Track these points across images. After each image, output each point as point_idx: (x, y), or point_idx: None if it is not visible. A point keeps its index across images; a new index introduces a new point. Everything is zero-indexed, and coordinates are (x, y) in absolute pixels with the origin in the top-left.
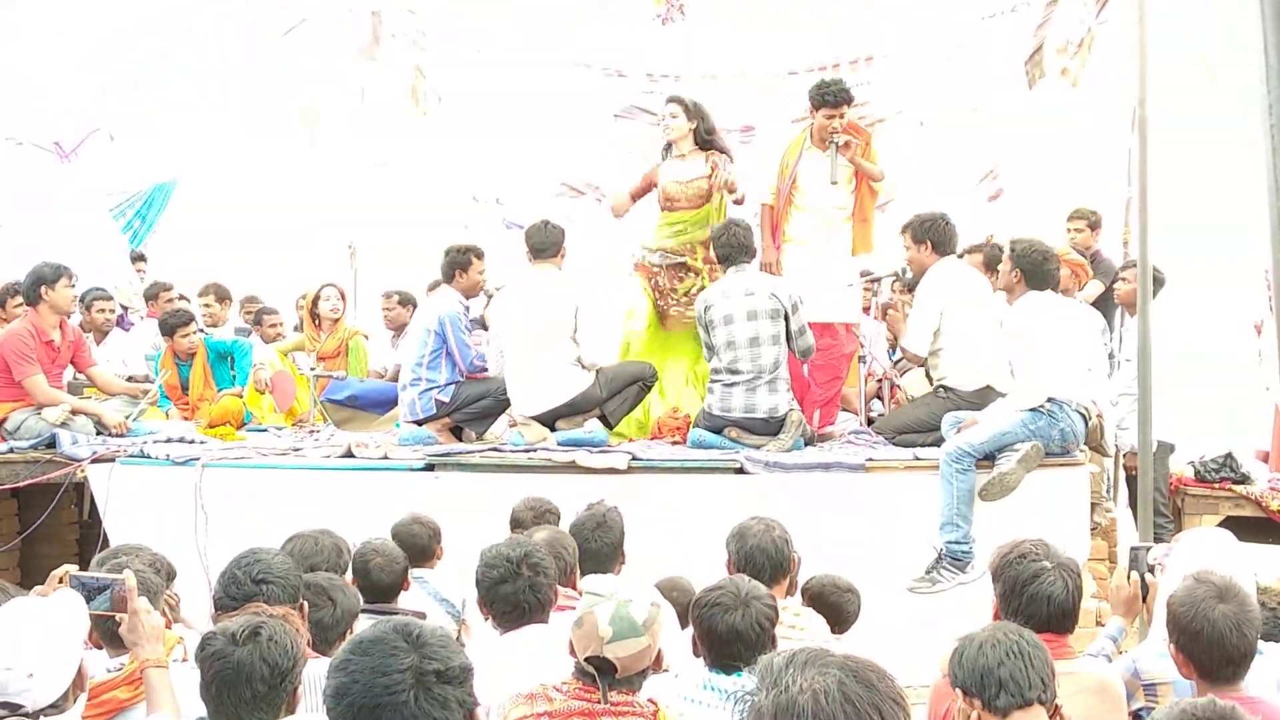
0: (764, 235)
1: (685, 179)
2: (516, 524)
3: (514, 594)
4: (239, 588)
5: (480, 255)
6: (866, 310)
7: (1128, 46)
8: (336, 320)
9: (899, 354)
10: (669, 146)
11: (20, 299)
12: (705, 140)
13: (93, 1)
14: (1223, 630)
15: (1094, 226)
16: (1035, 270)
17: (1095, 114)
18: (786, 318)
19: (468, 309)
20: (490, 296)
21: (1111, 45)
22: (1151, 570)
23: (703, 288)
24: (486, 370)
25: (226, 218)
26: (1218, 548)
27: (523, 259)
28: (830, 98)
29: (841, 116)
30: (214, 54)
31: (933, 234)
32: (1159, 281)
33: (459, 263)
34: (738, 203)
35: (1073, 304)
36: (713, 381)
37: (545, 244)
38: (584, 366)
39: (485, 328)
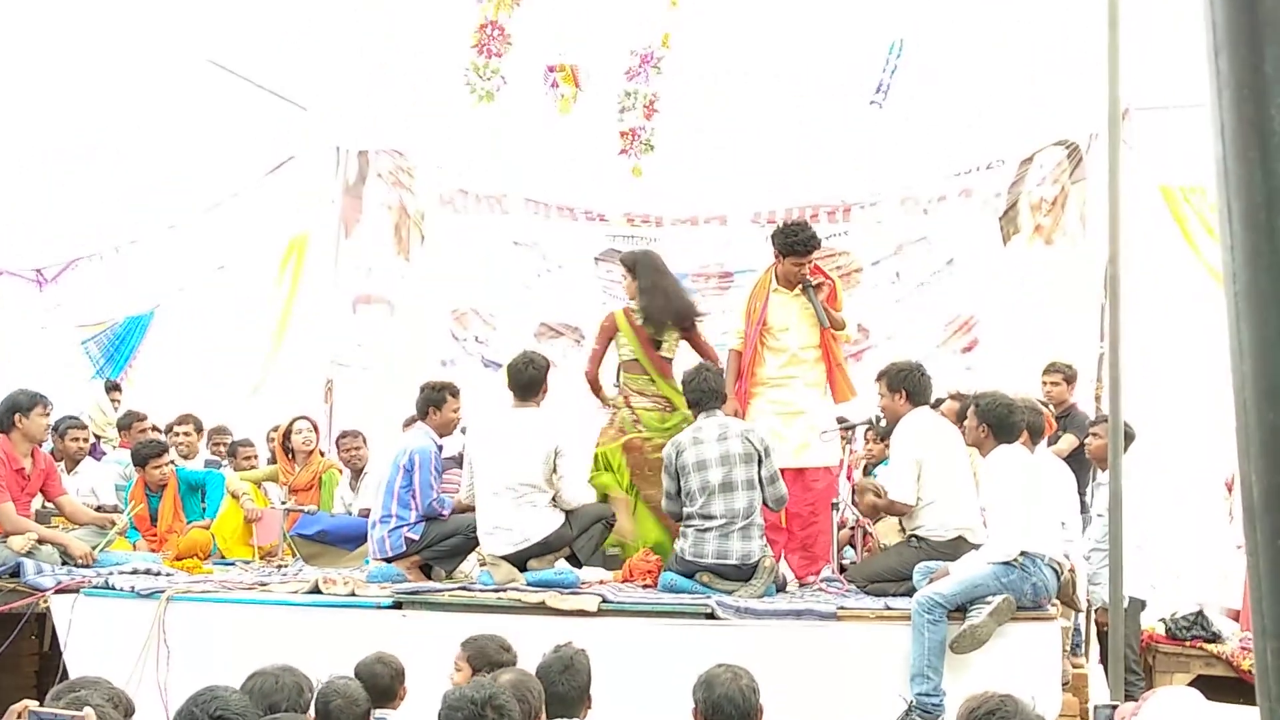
0: (728, 382)
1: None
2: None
3: None
4: None
5: (455, 393)
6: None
7: (1100, 205)
8: (310, 453)
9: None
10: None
11: None
12: None
13: (70, 128)
14: None
15: (1069, 380)
16: (1001, 423)
17: (1068, 270)
18: (759, 462)
19: (441, 448)
20: (465, 431)
21: (1085, 203)
22: None
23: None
24: (444, 516)
25: (203, 351)
26: (1186, 707)
27: (502, 395)
28: (799, 246)
29: (810, 263)
30: (198, 186)
31: (908, 384)
32: (1129, 437)
33: (433, 400)
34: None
35: (1046, 456)
36: (685, 526)
37: (527, 383)
38: (562, 508)
39: (460, 465)
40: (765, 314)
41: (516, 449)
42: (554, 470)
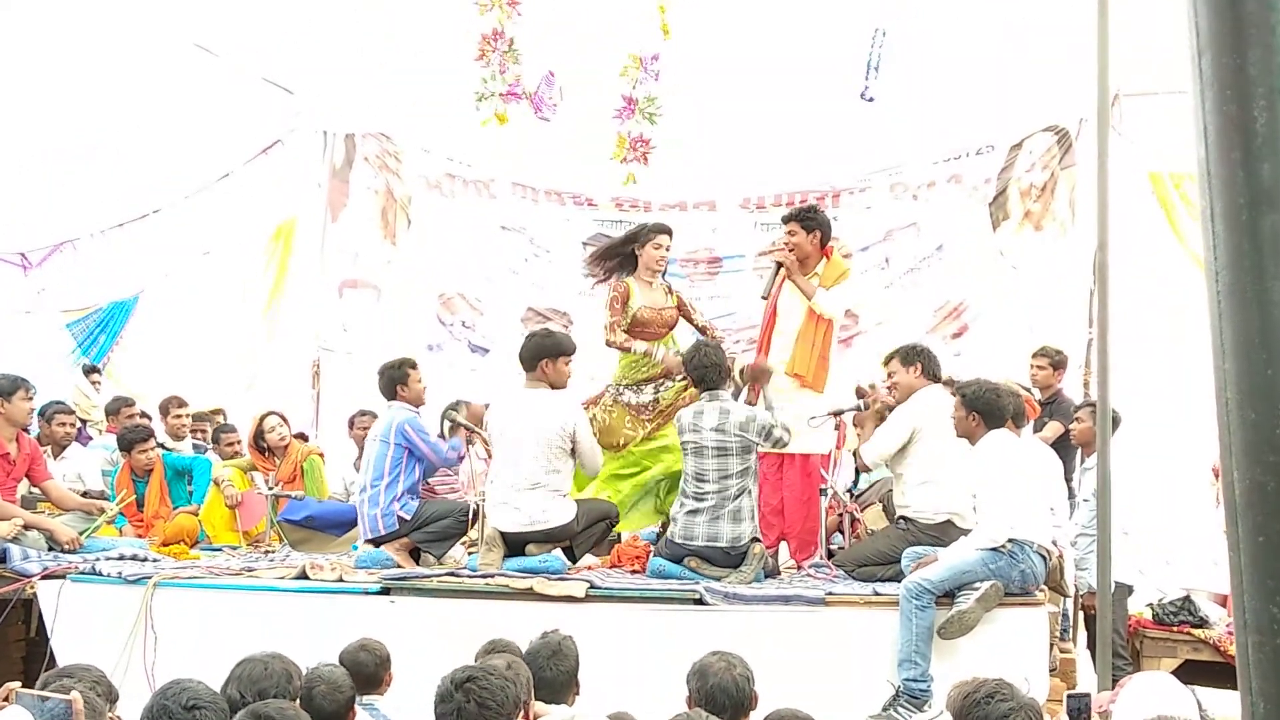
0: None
1: (658, 306)
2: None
3: None
4: (171, 718)
5: (414, 365)
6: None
7: (1090, 191)
8: (285, 445)
9: (860, 487)
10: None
11: None
12: None
13: (62, 113)
14: None
15: (1056, 366)
16: (990, 409)
17: (1057, 256)
18: (756, 449)
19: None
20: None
21: (1074, 189)
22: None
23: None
24: (464, 457)
25: (190, 336)
26: (1164, 692)
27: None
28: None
29: (792, 234)
30: (185, 168)
31: (924, 358)
32: (1115, 422)
33: (397, 378)
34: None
35: (1035, 443)
36: (677, 507)
37: (524, 355)
38: (584, 471)
39: (444, 437)
40: (777, 298)
41: (538, 430)
42: (574, 443)
